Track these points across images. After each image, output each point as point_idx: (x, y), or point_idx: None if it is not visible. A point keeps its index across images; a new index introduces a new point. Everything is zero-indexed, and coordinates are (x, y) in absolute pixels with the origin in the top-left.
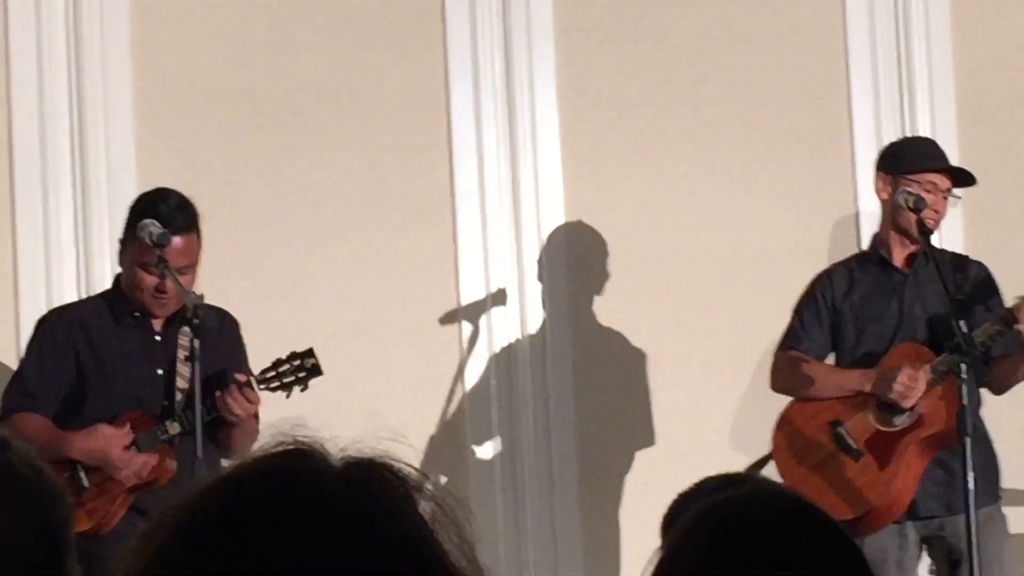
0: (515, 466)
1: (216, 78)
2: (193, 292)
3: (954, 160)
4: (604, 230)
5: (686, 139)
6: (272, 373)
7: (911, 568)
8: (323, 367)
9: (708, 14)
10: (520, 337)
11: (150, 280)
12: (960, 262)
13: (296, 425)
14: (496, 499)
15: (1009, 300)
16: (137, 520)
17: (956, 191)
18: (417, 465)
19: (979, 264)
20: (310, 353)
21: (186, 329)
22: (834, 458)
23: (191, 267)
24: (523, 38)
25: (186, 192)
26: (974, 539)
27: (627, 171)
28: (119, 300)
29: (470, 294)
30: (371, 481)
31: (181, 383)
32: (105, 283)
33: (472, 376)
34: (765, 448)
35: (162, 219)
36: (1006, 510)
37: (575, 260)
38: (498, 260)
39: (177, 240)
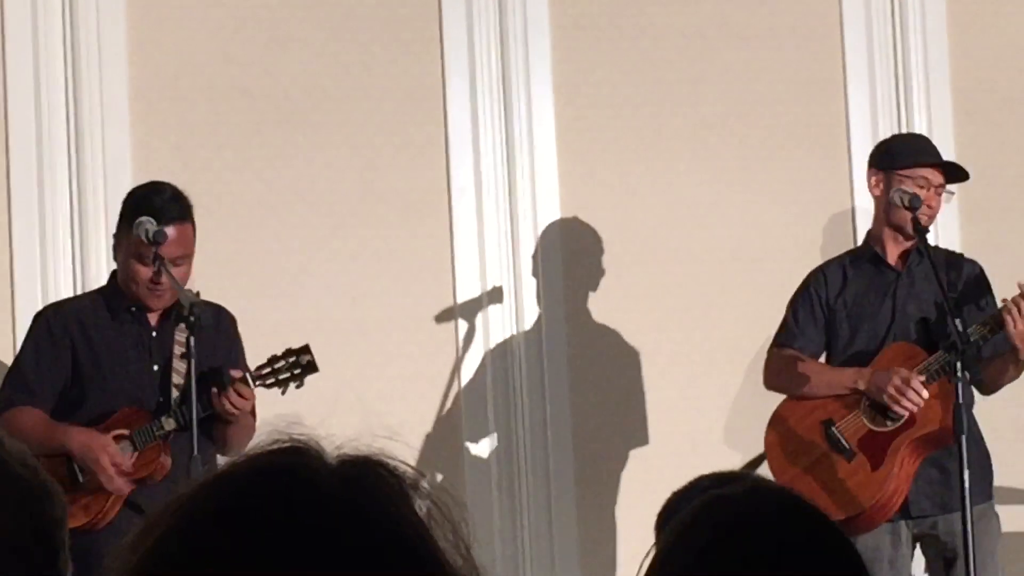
0: (511, 463)
1: (212, 75)
2: (190, 290)
3: (950, 158)
4: (600, 227)
5: (682, 136)
6: (268, 369)
7: (904, 566)
8: (319, 364)
9: (704, 12)
10: (516, 334)
11: (145, 272)
12: (953, 260)
13: (292, 423)
14: (492, 496)
15: (1001, 298)
16: (132, 515)
17: (949, 187)
18: (413, 463)
19: (972, 262)
20: (306, 350)
21: (182, 327)
22: (827, 458)
23: (186, 257)
24: (519, 35)
25: (182, 189)
26: (970, 537)
27: (623, 169)
28: (115, 295)
29: (466, 291)
30: (366, 479)
31: (177, 379)
32: (101, 280)
33: (468, 373)
34: (762, 446)
35: (156, 210)
36: (1002, 508)
37: (571, 257)
38: (494, 257)
39: (171, 230)
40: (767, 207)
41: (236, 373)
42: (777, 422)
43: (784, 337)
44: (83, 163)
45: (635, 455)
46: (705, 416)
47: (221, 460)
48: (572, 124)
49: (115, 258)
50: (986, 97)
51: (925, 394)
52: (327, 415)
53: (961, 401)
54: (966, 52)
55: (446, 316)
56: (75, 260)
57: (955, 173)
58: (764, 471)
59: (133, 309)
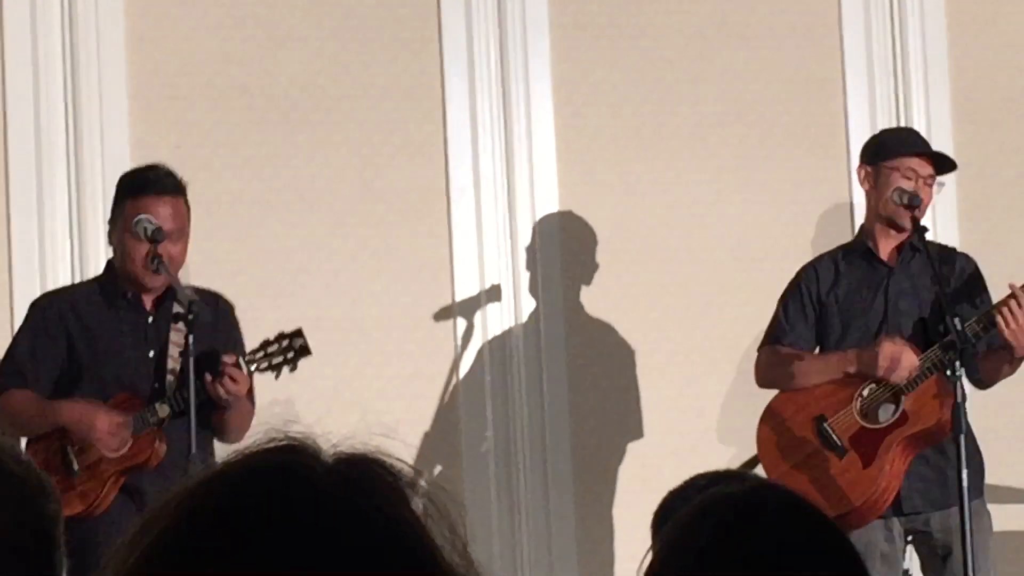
0: (509, 462)
1: (211, 73)
2: (189, 288)
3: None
4: (599, 226)
5: (681, 135)
6: (261, 354)
7: (896, 561)
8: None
9: (703, 11)
10: (514, 332)
11: (141, 248)
12: (946, 254)
13: (289, 421)
14: (490, 495)
15: (997, 294)
16: (128, 502)
17: (940, 179)
18: (411, 461)
19: (965, 256)
20: (299, 333)
21: (181, 325)
22: (818, 454)
23: (181, 234)
24: (518, 34)
25: None
26: (968, 535)
27: (623, 167)
28: (111, 283)
29: (465, 290)
30: (363, 477)
31: (172, 364)
32: None
33: (466, 372)
34: None
35: (149, 183)
36: (1001, 507)
37: (570, 256)
38: (493, 256)
39: (165, 203)
40: (766, 206)
41: (229, 358)
42: (769, 417)
43: (776, 334)
44: (82, 162)
45: (633, 453)
46: (704, 414)
47: (219, 447)
48: (571, 123)
49: (110, 241)
50: (985, 96)
51: (915, 360)
52: (324, 413)
53: (960, 400)
54: (965, 51)
55: (445, 315)
56: (74, 258)
57: (944, 164)
58: (760, 471)
59: (128, 296)
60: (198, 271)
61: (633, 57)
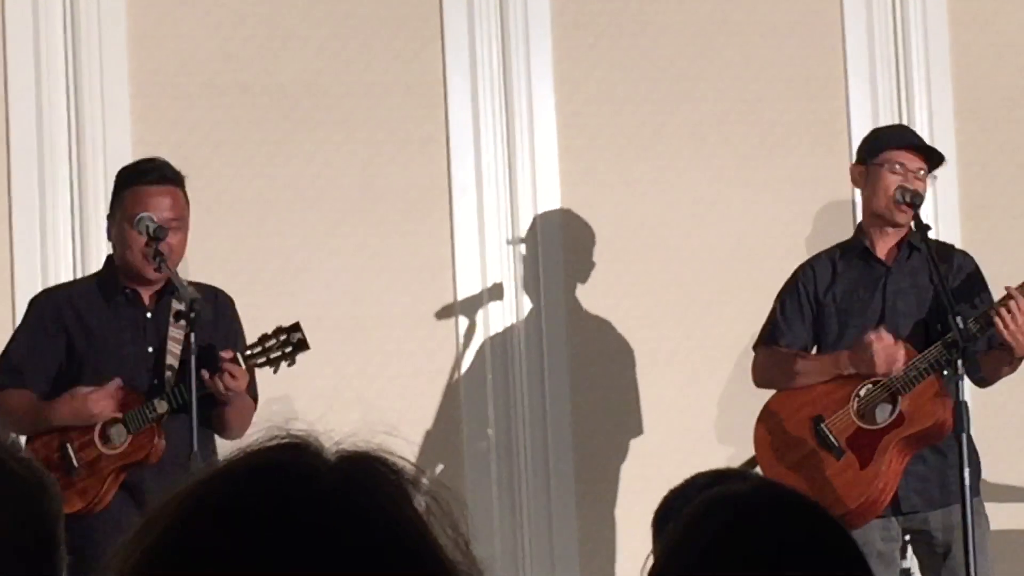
0: (511, 460)
1: (213, 72)
2: (191, 288)
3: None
4: (601, 225)
5: (683, 134)
6: (259, 348)
7: (893, 561)
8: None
9: (705, 9)
10: (516, 331)
11: (141, 238)
12: (944, 251)
13: (290, 419)
14: (492, 493)
15: (999, 293)
16: (128, 499)
17: (932, 173)
18: (413, 459)
19: (964, 254)
20: (296, 327)
21: (182, 323)
22: (815, 455)
23: (180, 224)
24: (520, 33)
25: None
26: (971, 533)
27: (624, 166)
28: (110, 279)
29: (466, 288)
30: (365, 475)
31: (171, 360)
32: None
33: (468, 370)
34: None
35: (147, 173)
36: (1002, 506)
37: (571, 254)
38: (494, 254)
39: (164, 193)
40: (768, 204)
41: (226, 354)
42: (767, 417)
43: (771, 333)
44: (84, 161)
45: (635, 452)
46: (705, 413)
47: (221, 445)
48: (573, 121)
49: (109, 235)
50: (987, 94)
51: (902, 352)
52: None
53: (961, 400)
54: (967, 49)
55: (446, 313)
56: (75, 257)
57: (934, 157)
58: (760, 470)
59: (127, 291)
60: (199, 269)
61: (635, 56)
